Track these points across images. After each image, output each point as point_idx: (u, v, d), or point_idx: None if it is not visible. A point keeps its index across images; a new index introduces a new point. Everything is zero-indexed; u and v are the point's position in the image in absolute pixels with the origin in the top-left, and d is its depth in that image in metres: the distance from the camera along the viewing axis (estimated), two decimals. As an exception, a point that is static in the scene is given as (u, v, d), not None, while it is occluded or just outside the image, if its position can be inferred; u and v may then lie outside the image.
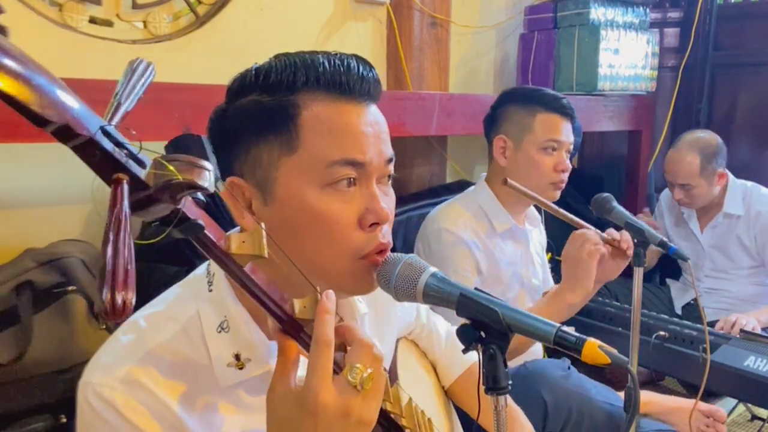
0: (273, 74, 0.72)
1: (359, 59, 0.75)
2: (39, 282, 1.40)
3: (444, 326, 1.19)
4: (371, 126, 0.73)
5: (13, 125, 1.26)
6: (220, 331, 0.73)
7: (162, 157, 0.50)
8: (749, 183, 2.40)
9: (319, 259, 0.72)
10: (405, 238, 2.14)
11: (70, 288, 1.41)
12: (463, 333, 0.72)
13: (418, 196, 2.29)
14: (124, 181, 0.47)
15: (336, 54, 0.74)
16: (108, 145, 0.47)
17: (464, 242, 1.59)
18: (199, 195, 0.53)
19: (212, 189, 0.51)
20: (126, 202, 0.46)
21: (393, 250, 0.78)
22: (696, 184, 2.31)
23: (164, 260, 1.51)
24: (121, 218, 0.45)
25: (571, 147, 1.69)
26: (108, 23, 1.72)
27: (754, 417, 2.24)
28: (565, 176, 1.66)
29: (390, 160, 0.76)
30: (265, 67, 0.73)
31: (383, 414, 0.76)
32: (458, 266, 1.59)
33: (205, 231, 0.55)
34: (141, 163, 0.49)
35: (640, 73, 2.57)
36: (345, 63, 0.72)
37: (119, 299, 0.42)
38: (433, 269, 0.77)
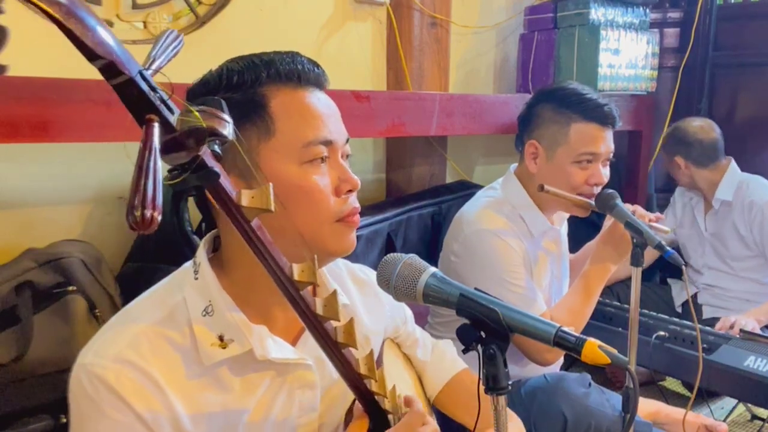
0: (236, 75, 0.80)
1: (303, 56, 0.86)
2: (39, 282, 1.39)
3: (430, 337, 1.21)
4: (328, 108, 0.85)
5: (13, 125, 1.26)
6: (204, 315, 0.80)
7: (190, 105, 0.55)
8: (752, 175, 2.42)
9: (306, 227, 0.80)
10: (405, 238, 2.13)
11: (70, 288, 1.41)
12: (463, 333, 0.72)
13: (418, 196, 2.28)
14: (155, 122, 0.51)
15: (286, 52, 0.84)
16: (144, 87, 0.51)
17: (508, 239, 1.54)
18: (216, 148, 0.58)
19: (231, 137, 0.56)
20: (156, 139, 0.50)
21: (393, 250, 0.79)
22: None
23: (165, 260, 1.51)
24: (152, 149, 0.50)
25: (611, 155, 1.57)
26: (108, 23, 1.70)
27: (754, 417, 2.24)
28: (597, 189, 1.54)
29: (348, 141, 0.87)
30: (225, 69, 0.82)
31: (367, 393, 0.81)
32: (509, 263, 1.53)
33: (220, 181, 0.59)
34: (170, 110, 0.54)
35: (640, 73, 2.57)
36: (294, 57, 0.84)
37: (147, 214, 0.47)
38: (433, 269, 0.77)
